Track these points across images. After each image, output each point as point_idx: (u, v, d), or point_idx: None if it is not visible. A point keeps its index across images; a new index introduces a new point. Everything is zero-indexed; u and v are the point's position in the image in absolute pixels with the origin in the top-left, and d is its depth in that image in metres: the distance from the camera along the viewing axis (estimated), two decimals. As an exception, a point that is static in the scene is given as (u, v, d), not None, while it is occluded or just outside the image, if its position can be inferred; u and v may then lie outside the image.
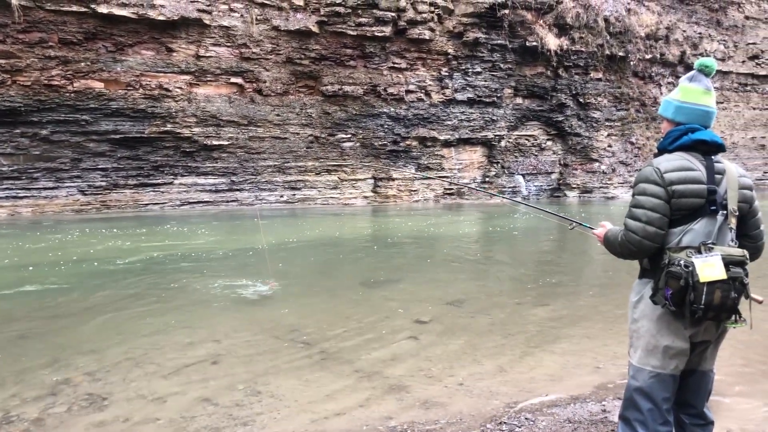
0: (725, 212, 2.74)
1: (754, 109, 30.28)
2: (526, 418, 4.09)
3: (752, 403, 4.38)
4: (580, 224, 3.57)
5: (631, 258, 2.87)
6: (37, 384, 4.68)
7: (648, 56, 24.84)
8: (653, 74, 25.39)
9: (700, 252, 2.62)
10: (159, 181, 17.45)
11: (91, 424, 3.99)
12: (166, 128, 16.98)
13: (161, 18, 16.02)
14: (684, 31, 26.47)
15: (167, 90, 16.78)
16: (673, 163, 2.74)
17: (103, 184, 16.73)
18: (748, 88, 29.96)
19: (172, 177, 17.60)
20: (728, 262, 2.59)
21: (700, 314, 2.58)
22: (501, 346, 5.69)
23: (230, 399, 4.40)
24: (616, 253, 2.92)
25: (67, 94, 15.58)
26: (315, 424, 4.01)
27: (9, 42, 14.65)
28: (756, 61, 29.77)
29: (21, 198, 15.61)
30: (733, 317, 2.68)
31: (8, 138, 15.24)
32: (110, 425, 3.99)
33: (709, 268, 2.56)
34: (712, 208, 2.72)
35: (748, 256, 2.70)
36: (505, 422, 4.03)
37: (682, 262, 2.60)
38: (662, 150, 2.89)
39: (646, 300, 2.81)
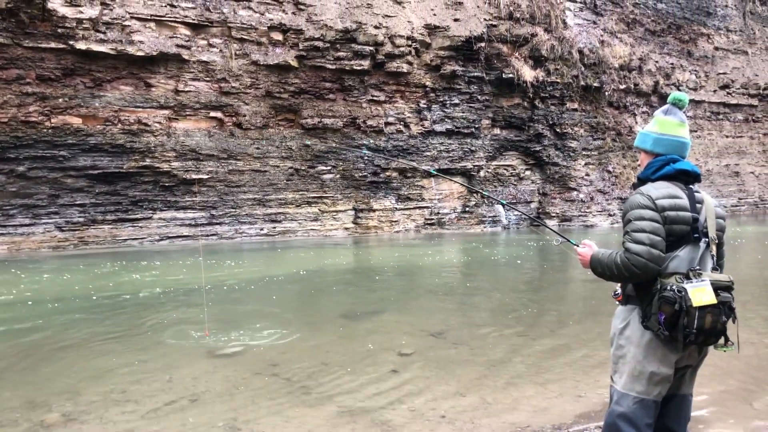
0: (707, 240, 2.84)
1: (727, 137, 30.94)
2: (509, 450, 4.07)
3: (733, 430, 4.41)
4: (568, 240, 3.55)
5: (629, 281, 2.88)
6: (10, 426, 4.56)
7: (622, 86, 25.36)
8: (628, 104, 25.90)
9: (689, 278, 2.71)
10: (138, 216, 17.31)
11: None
12: (145, 163, 16.91)
13: (140, 53, 16.06)
14: (656, 61, 27.12)
15: (146, 125, 16.76)
16: (662, 191, 2.84)
17: (81, 219, 16.55)
18: (720, 116, 30.65)
19: (151, 212, 17.48)
20: (716, 287, 2.69)
21: (692, 338, 2.64)
22: (483, 377, 5.67)
23: (210, 437, 4.33)
24: (610, 276, 2.91)
25: (45, 130, 15.49)
26: (296, 461, 3.96)
27: (-15, 79, 14.60)
28: (727, 90, 30.52)
29: (-4, 235, 15.39)
30: (721, 341, 2.75)
31: (-16, 175, 15.10)
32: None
33: (701, 293, 2.64)
34: (696, 235, 2.82)
35: (733, 282, 2.79)
36: (488, 455, 4.01)
37: (674, 288, 2.67)
38: (644, 179, 2.98)
39: (633, 326, 2.86)
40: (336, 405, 4.94)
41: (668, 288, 2.68)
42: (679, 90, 27.72)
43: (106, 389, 5.36)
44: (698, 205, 2.86)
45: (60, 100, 15.53)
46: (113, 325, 7.95)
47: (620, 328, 2.94)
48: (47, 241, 16.02)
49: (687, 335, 2.64)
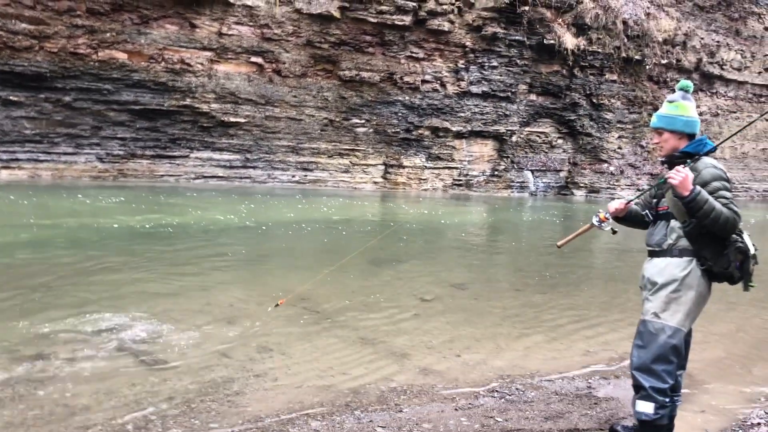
0: None
1: (766, 120, 30.34)
2: (516, 389, 4.44)
3: (727, 387, 4.74)
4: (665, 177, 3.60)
5: (720, 233, 3.33)
6: (68, 329, 5.06)
7: (664, 61, 24.98)
8: (668, 79, 25.53)
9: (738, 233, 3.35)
10: (175, 153, 17.82)
11: (117, 368, 4.36)
12: (185, 102, 17.32)
13: (187, -7, 16.33)
14: (702, 38, 26.58)
15: (188, 65, 17.11)
16: (721, 165, 3.45)
17: (121, 153, 17.11)
18: (763, 99, 30.01)
19: (188, 150, 17.97)
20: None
21: (749, 279, 3.37)
22: (498, 326, 6.03)
23: (244, 354, 4.76)
24: (707, 219, 3.28)
25: (92, 63, 15.93)
26: (322, 380, 4.37)
27: (39, 9, 15.01)
28: (772, 72, 29.82)
29: (41, 161, 16.01)
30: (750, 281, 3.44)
31: (33, 102, 15.63)
32: (134, 368, 4.37)
33: (751, 245, 3.35)
34: None
35: None
36: (497, 390, 4.39)
37: (743, 241, 3.32)
38: (693, 154, 3.46)
39: (694, 273, 3.39)
40: (359, 337, 5.35)
41: (739, 241, 3.30)
42: (723, 69, 27.27)
43: (151, 307, 5.83)
44: None
45: (108, 34, 15.91)
46: (158, 252, 8.47)
47: (682, 276, 3.40)
48: (88, 171, 16.63)
49: (748, 276, 3.35)
